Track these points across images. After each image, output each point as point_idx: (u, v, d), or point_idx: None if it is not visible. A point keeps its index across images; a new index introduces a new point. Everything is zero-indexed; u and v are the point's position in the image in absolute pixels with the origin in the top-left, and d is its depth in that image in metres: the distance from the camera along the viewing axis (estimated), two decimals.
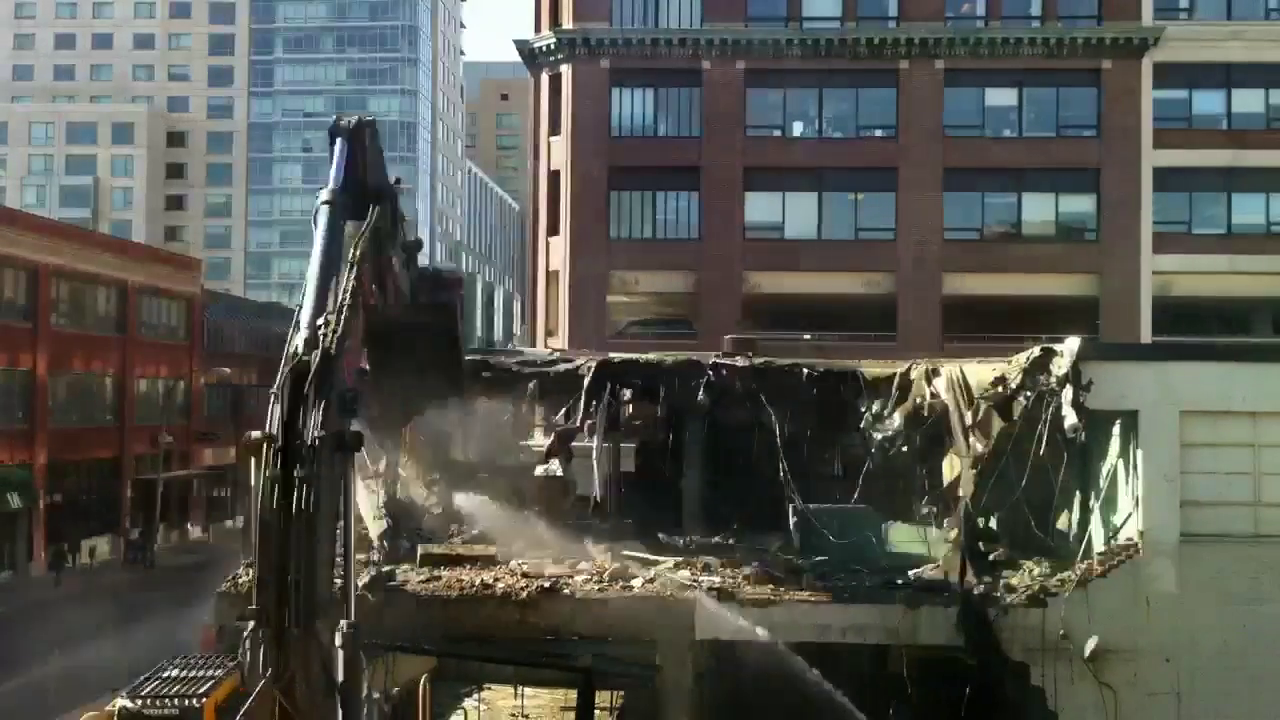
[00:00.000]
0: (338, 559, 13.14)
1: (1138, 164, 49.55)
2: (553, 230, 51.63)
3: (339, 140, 15.25)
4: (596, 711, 22.30)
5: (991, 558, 21.56)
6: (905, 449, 24.12)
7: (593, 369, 26.04)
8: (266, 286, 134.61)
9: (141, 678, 19.05)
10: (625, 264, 50.29)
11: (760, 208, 50.64)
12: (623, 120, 51.19)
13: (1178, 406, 20.47)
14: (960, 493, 22.07)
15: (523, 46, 52.76)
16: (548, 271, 52.05)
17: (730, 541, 23.67)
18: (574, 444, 25.41)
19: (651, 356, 26.76)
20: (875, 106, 50.80)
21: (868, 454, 24.40)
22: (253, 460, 12.48)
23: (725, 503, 24.59)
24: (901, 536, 23.20)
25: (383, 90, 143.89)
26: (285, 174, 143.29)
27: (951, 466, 23.49)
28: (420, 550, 21.79)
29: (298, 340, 13.00)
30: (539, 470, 24.80)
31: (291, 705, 12.02)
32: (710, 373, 25.37)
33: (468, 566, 21.18)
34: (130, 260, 61.24)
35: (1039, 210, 50.77)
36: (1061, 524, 22.51)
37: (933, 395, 23.87)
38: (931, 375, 24.19)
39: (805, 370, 25.55)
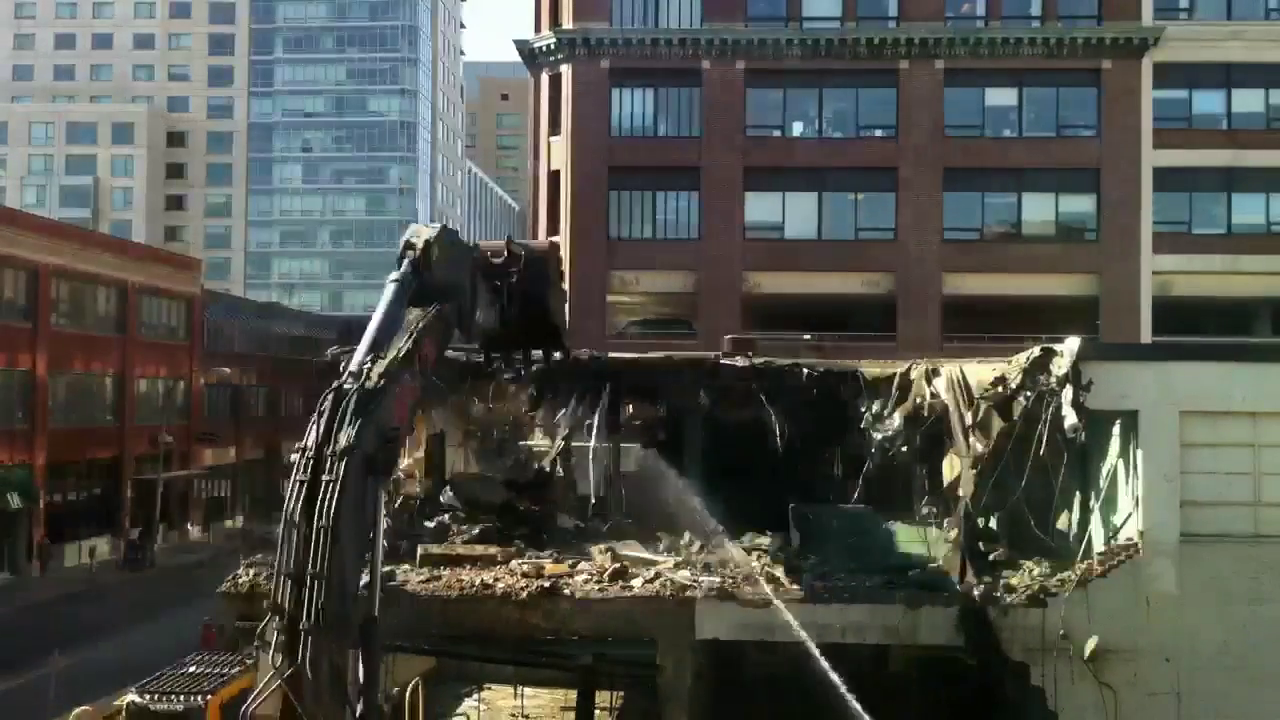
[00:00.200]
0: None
1: (1138, 164, 49.57)
2: (553, 230, 51.63)
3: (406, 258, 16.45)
4: (596, 711, 22.35)
5: (991, 558, 21.54)
6: (905, 449, 24.10)
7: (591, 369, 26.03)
8: (266, 286, 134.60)
9: (159, 673, 19.16)
10: (625, 264, 50.31)
11: (760, 208, 50.65)
12: (623, 120, 51.21)
13: (1178, 406, 20.46)
14: (960, 493, 22.05)
15: (523, 46, 52.78)
16: None
17: (730, 542, 23.64)
18: (574, 444, 25.43)
19: (651, 356, 26.75)
20: (875, 106, 50.82)
21: (868, 454, 24.38)
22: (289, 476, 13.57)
23: (725, 503, 24.57)
24: (901, 536, 23.18)
25: (383, 90, 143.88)
26: (285, 174, 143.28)
27: (951, 466, 23.47)
28: (420, 550, 21.79)
29: (348, 372, 14.25)
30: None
31: (298, 699, 12.27)
32: (710, 373, 25.35)
33: (467, 566, 21.16)
34: (130, 260, 61.25)
35: (1039, 210, 50.79)
36: (1061, 524, 22.49)
37: (933, 395, 23.85)
38: (931, 375, 24.18)
39: (805, 370, 25.54)
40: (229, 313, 72.61)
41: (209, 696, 18.20)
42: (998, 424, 21.91)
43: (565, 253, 50.35)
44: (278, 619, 12.66)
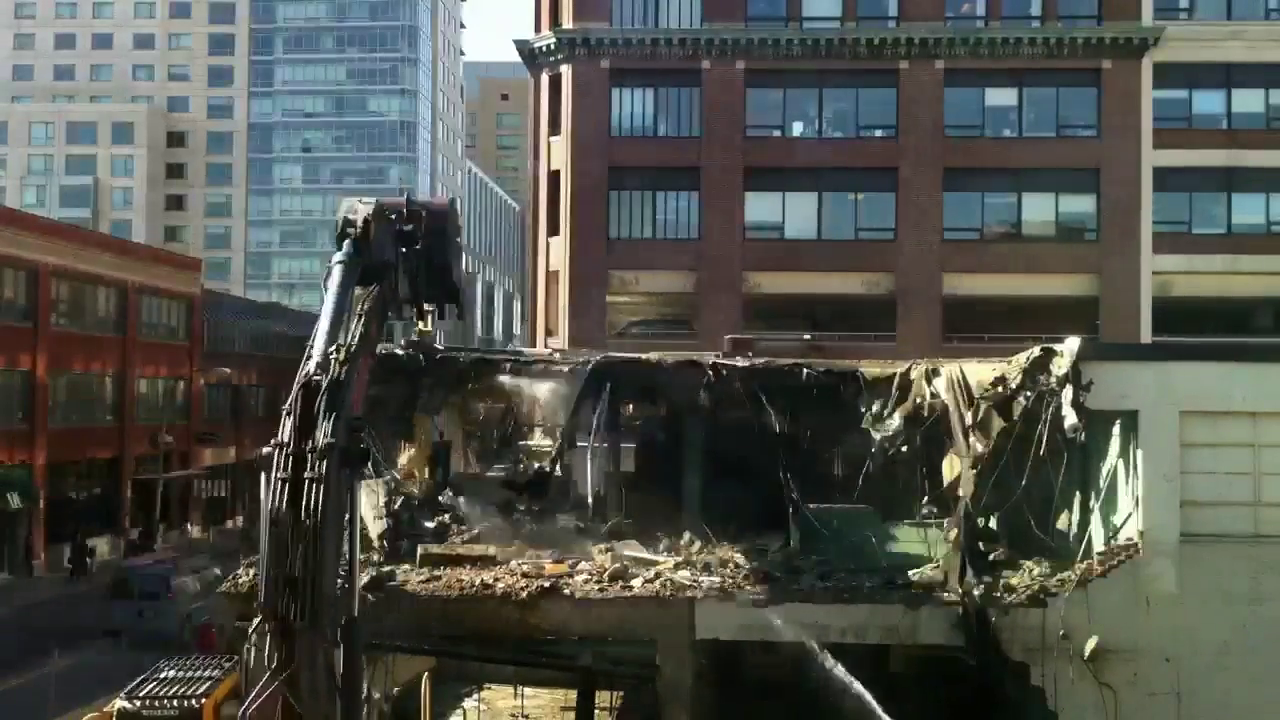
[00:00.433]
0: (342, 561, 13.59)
1: (1138, 164, 49.54)
2: (553, 230, 51.64)
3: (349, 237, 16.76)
4: (596, 711, 22.34)
5: (991, 558, 21.54)
6: (905, 449, 24.10)
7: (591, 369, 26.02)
8: (266, 286, 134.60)
9: (139, 679, 19.06)
10: (625, 264, 50.27)
11: (760, 208, 50.62)
12: (623, 120, 51.18)
13: (1178, 406, 20.47)
14: (960, 493, 22.05)
15: (523, 46, 52.77)
16: (548, 271, 52.05)
17: (729, 541, 23.64)
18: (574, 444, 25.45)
19: (651, 356, 26.75)
20: (875, 106, 50.78)
21: (868, 454, 24.38)
22: (263, 472, 13.46)
23: (725, 503, 24.56)
24: (901, 536, 23.17)
25: (383, 90, 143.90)
26: (285, 174, 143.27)
27: (951, 466, 23.47)
28: (420, 550, 21.79)
29: (310, 366, 14.29)
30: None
31: (296, 699, 12.29)
32: (710, 373, 25.34)
33: (468, 566, 21.16)
34: (130, 260, 61.25)
35: (1039, 210, 50.75)
36: (1061, 524, 22.49)
37: (933, 395, 23.85)
38: (931, 375, 24.18)
39: (805, 370, 25.52)
40: (229, 313, 72.62)
41: (203, 700, 18.14)
42: (998, 424, 21.92)
43: (565, 252, 50.47)
44: (271, 621, 12.60)
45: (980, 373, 22.97)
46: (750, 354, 27.23)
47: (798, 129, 51.62)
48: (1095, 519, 21.85)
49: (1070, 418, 20.74)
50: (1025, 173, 49.97)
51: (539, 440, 28.27)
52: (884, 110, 50.64)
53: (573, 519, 24.36)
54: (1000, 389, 22.09)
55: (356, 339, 14.95)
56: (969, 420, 22.41)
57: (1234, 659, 19.79)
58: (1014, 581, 20.46)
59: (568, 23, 50.76)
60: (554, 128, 51.88)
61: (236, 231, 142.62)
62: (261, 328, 75.40)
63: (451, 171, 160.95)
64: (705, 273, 49.81)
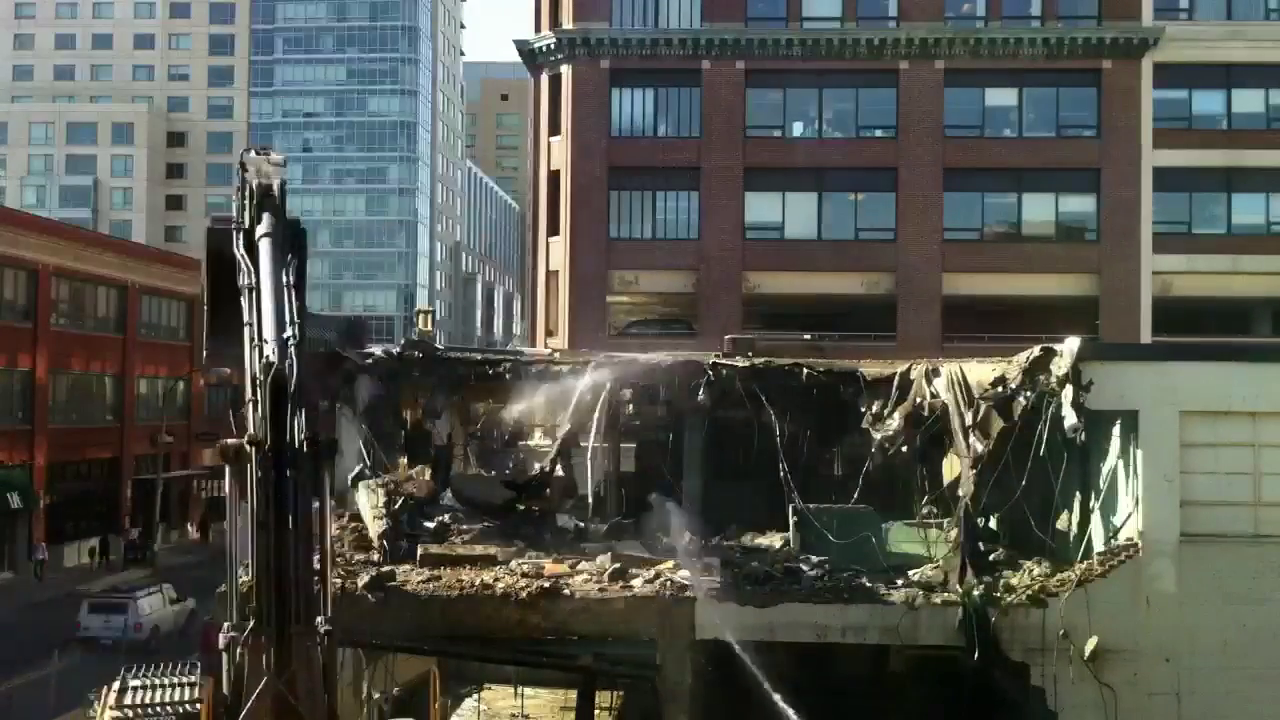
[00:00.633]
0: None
1: (1138, 164, 49.56)
2: (553, 230, 51.64)
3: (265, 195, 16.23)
4: (596, 711, 22.32)
5: (991, 558, 21.56)
6: (905, 449, 24.08)
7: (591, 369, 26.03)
8: None
9: (106, 689, 18.43)
10: (625, 264, 50.29)
11: (760, 208, 50.63)
12: (623, 120, 51.19)
13: (1178, 406, 20.47)
14: (960, 493, 22.05)
15: (523, 46, 52.77)
16: (548, 271, 52.06)
17: (730, 542, 23.66)
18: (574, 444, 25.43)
19: (651, 356, 26.74)
20: (875, 107, 50.79)
21: (868, 454, 24.37)
22: (228, 466, 13.17)
23: (725, 503, 24.56)
24: (901, 536, 23.17)
25: (383, 90, 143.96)
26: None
27: (951, 466, 23.47)
28: (420, 550, 21.78)
29: (268, 351, 13.43)
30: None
31: (295, 700, 12.24)
32: (710, 373, 25.33)
33: (468, 566, 21.16)
34: (130, 260, 61.28)
35: (1039, 210, 50.76)
36: (1061, 524, 22.49)
37: (933, 395, 23.83)
38: (931, 375, 24.17)
39: (805, 370, 25.51)
40: None
41: (199, 705, 17.95)
42: (998, 424, 21.91)
43: (565, 252, 50.46)
44: (266, 624, 12.50)
45: (980, 373, 22.96)
46: (750, 354, 27.19)
47: (798, 129, 51.63)
48: (1095, 519, 21.85)
49: (1070, 418, 20.74)
50: (1025, 173, 49.99)
51: (539, 440, 28.27)
52: (884, 110, 50.65)
53: (573, 519, 24.37)
54: (1000, 389, 22.09)
55: (299, 320, 14.14)
56: (969, 420, 22.39)
57: (1234, 659, 19.78)
58: (1014, 581, 20.46)
59: (568, 23, 50.78)
60: (554, 128, 51.89)
61: None
62: None
63: (451, 171, 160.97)
64: (705, 273, 49.83)
